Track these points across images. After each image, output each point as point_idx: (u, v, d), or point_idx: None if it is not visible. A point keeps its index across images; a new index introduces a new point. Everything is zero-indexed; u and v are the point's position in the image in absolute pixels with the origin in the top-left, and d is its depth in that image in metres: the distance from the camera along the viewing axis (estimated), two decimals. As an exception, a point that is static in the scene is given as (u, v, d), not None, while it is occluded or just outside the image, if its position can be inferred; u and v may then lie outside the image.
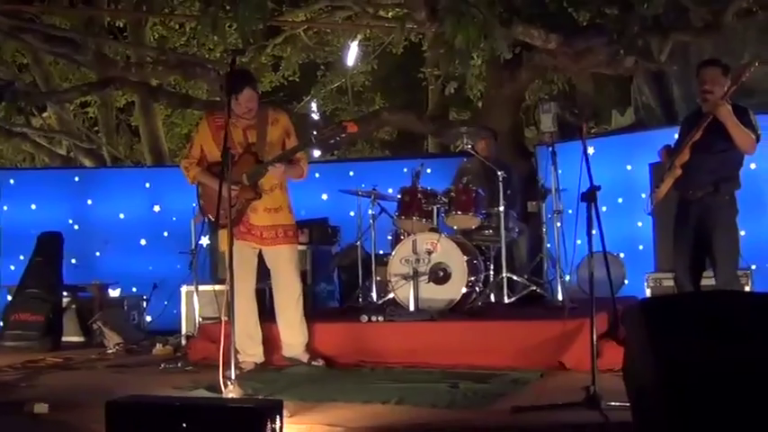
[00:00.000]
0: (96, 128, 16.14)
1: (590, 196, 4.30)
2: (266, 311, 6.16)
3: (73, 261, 9.48)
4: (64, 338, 8.16)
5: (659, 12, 8.14)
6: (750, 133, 5.38)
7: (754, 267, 7.33)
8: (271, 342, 5.98)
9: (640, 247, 8.52)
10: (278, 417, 3.47)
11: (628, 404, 3.55)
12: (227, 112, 5.10)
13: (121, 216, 10.24)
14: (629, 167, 8.78)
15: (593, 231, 4.35)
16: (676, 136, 6.70)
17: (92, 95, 13.91)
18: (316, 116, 15.54)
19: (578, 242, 5.58)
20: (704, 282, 5.80)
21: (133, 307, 8.80)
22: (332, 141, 5.81)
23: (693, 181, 5.51)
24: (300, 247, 8.01)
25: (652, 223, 7.85)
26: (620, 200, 8.60)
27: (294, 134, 5.83)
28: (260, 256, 5.87)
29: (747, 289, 7.02)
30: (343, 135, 5.66)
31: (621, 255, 8.24)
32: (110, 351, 7.45)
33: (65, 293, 8.51)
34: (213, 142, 5.68)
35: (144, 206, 10.27)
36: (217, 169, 5.48)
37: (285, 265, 5.81)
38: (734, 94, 5.44)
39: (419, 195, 7.07)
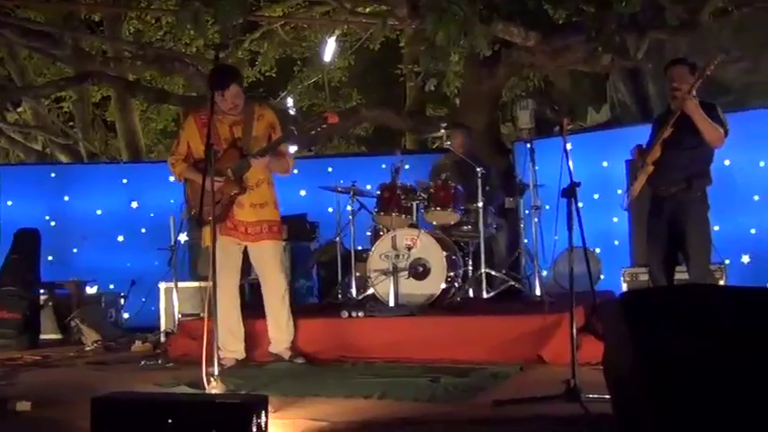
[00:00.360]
0: (71, 123, 16.02)
1: (570, 192, 4.35)
2: (247, 308, 6.17)
3: (50, 258, 9.42)
4: (41, 336, 8.13)
5: (636, 10, 8.22)
6: (718, 127, 5.47)
7: (727, 262, 7.43)
8: (252, 338, 6.00)
9: (616, 243, 8.62)
10: (263, 412, 3.49)
11: (607, 396, 3.61)
12: (211, 107, 5.09)
13: (99, 212, 10.20)
14: (605, 164, 8.88)
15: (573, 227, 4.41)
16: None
17: (68, 90, 13.80)
18: (292, 111, 15.51)
19: (555, 237, 5.65)
20: (677, 276, 5.90)
21: (111, 304, 8.76)
22: (313, 132, 5.83)
23: (666, 177, 5.60)
24: (280, 244, 8.05)
25: (627, 219, 7.93)
26: (596, 196, 8.68)
27: (279, 129, 5.85)
28: (244, 253, 5.89)
29: (722, 283, 7.12)
30: (324, 126, 5.70)
31: (597, 250, 8.33)
32: (88, 348, 7.43)
33: (42, 291, 8.47)
34: (200, 138, 5.67)
35: (121, 202, 10.23)
36: (203, 165, 5.53)
37: (270, 261, 5.83)
38: (701, 88, 5.53)
39: (398, 191, 7.11)
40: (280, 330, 5.90)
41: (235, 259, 5.80)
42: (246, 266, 6.00)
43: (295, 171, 5.96)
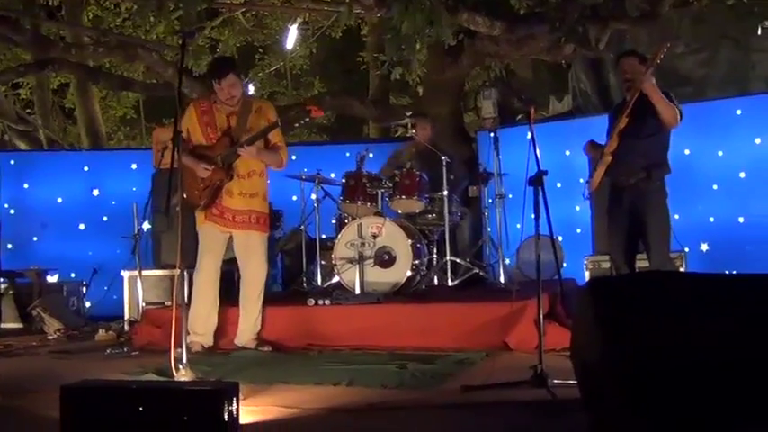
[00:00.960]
0: (29, 110, 15.79)
1: (537, 180, 4.41)
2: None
3: (9, 246, 9.31)
4: (2, 325, 8.04)
5: (598, 1, 8.32)
6: (674, 107, 5.57)
7: (687, 250, 7.57)
8: (219, 326, 6.01)
9: (578, 231, 8.73)
10: (234, 399, 3.51)
11: (573, 382, 3.68)
12: (178, 95, 5.10)
13: (59, 200, 10.08)
14: (567, 153, 8.97)
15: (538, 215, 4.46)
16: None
17: (28, 77, 13.59)
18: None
19: (518, 226, 5.72)
20: (638, 264, 6.00)
21: (73, 293, 8.68)
22: (296, 125, 5.91)
23: (625, 167, 5.67)
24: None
25: (590, 207, 8.03)
26: (558, 185, 8.77)
27: (279, 128, 5.91)
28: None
29: (682, 270, 7.26)
30: (308, 119, 5.79)
31: (560, 238, 8.41)
32: (51, 337, 7.36)
33: (1, 279, 8.36)
34: (198, 126, 5.83)
35: (82, 190, 10.12)
36: (199, 152, 5.76)
37: (254, 251, 5.89)
38: (658, 80, 5.63)
39: (364, 180, 7.13)
40: (249, 324, 5.95)
41: (218, 245, 5.87)
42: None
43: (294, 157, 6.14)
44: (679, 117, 5.58)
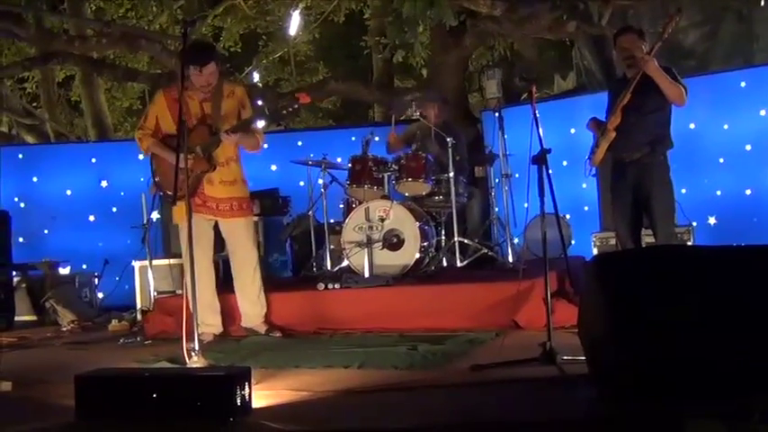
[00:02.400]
0: (35, 103, 15.84)
1: (541, 159, 4.42)
2: (221, 283, 6.20)
3: (21, 240, 9.36)
4: (16, 318, 8.07)
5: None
6: (679, 85, 5.55)
7: (695, 224, 7.58)
8: (228, 313, 6.05)
9: (585, 208, 8.74)
10: (246, 384, 3.55)
11: (581, 358, 3.71)
12: (181, 82, 5.06)
13: (68, 192, 10.13)
14: (572, 131, 8.96)
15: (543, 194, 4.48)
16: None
17: (33, 70, 13.63)
18: (260, 85, 15.46)
19: (526, 205, 5.74)
20: (644, 240, 6.02)
21: (85, 284, 8.73)
22: (284, 112, 5.87)
23: (629, 142, 5.67)
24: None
25: (596, 185, 8.05)
26: (564, 162, 8.77)
27: (249, 106, 5.86)
28: (216, 229, 5.91)
29: (689, 244, 7.27)
30: (297, 106, 5.75)
31: (567, 216, 8.43)
32: (64, 329, 7.43)
33: (14, 273, 8.41)
34: (169, 114, 5.70)
35: (91, 182, 10.17)
36: (171, 141, 5.57)
37: (242, 237, 5.87)
38: (663, 53, 5.62)
39: (370, 163, 7.15)
40: (251, 304, 5.96)
41: (207, 235, 5.82)
42: (219, 242, 6.02)
43: (265, 146, 5.98)
44: (685, 94, 5.57)
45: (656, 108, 5.63)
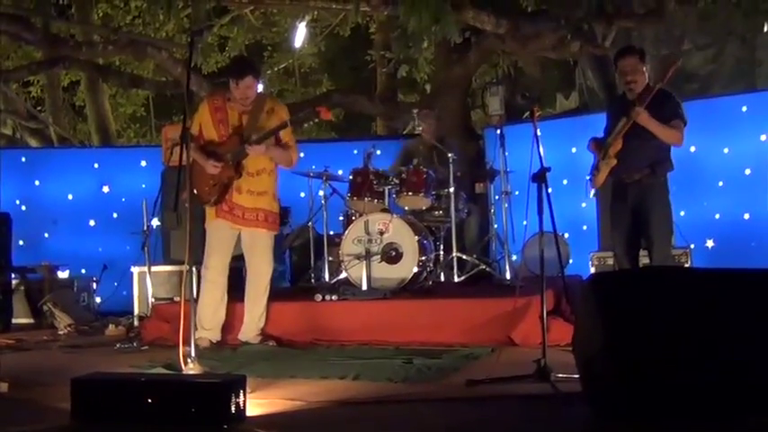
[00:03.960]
0: (39, 107, 15.89)
1: (540, 177, 4.45)
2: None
3: (21, 242, 9.37)
4: (13, 320, 8.10)
5: (604, -2, 8.39)
6: (674, 130, 5.58)
7: (692, 246, 7.59)
8: (228, 322, 6.06)
9: (584, 228, 8.76)
10: (241, 392, 3.58)
11: (576, 376, 3.73)
12: (186, 88, 5.11)
13: (70, 197, 10.15)
14: (573, 150, 8.99)
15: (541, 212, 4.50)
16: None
17: (39, 74, 13.68)
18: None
19: (525, 223, 5.76)
20: (642, 261, 6.04)
21: (83, 288, 8.74)
22: (305, 125, 5.97)
23: (630, 165, 5.70)
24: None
25: (596, 204, 8.07)
26: (564, 181, 8.81)
27: (289, 127, 5.98)
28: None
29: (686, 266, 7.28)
30: (317, 120, 5.87)
31: (566, 235, 8.46)
32: (61, 332, 7.43)
33: (13, 275, 8.43)
34: (211, 122, 5.92)
35: (93, 187, 10.19)
36: (209, 148, 5.84)
37: (261, 249, 5.96)
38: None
39: (371, 176, 7.18)
40: (254, 319, 6.01)
41: (228, 241, 5.94)
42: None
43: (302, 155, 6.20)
44: (682, 135, 5.61)
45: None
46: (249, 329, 6.01)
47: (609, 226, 7.70)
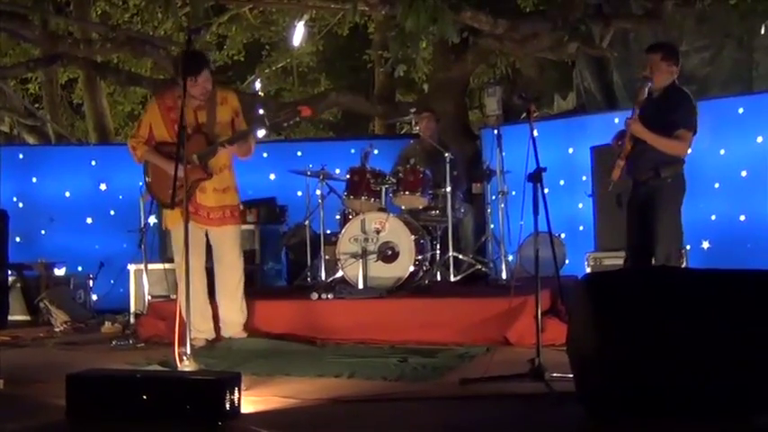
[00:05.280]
0: (37, 104, 15.88)
1: (536, 177, 4.46)
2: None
3: (17, 239, 9.38)
4: (9, 317, 8.10)
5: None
6: (675, 141, 5.50)
7: (688, 248, 7.60)
8: (218, 319, 6.06)
9: (581, 228, 8.77)
10: (236, 389, 3.59)
11: (570, 375, 3.74)
12: (183, 91, 5.09)
13: (67, 194, 10.15)
14: (570, 150, 9.02)
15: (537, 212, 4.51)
16: (616, 120, 6.93)
17: (36, 72, 13.68)
18: (261, 95, 15.51)
19: (521, 223, 5.77)
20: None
21: (79, 286, 8.74)
22: (285, 124, 5.91)
23: (637, 167, 5.72)
24: (248, 227, 8.10)
25: (592, 204, 8.09)
26: (561, 182, 8.83)
27: (241, 113, 5.93)
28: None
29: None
30: (298, 119, 5.79)
31: (563, 235, 8.47)
32: (57, 329, 7.43)
33: (9, 272, 8.43)
34: (162, 122, 5.77)
35: (90, 184, 10.19)
36: (166, 149, 5.68)
37: (230, 244, 5.92)
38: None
39: (368, 175, 7.19)
40: (234, 313, 5.98)
41: (199, 242, 5.85)
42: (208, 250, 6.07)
43: (264, 155, 6.07)
44: (685, 143, 5.53)
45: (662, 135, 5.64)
46: (231, 325, 5.98)
47: (605, 226, 7.77)
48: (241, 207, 6.11)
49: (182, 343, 4.57)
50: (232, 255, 5.93)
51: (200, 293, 5.89)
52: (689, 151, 5.63)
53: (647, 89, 5.63)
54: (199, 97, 5.71)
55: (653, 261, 5.75)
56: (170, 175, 5.30)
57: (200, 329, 5.86)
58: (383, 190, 7.28)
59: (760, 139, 7.99)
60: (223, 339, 6.00)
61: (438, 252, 7.53)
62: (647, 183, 5.68)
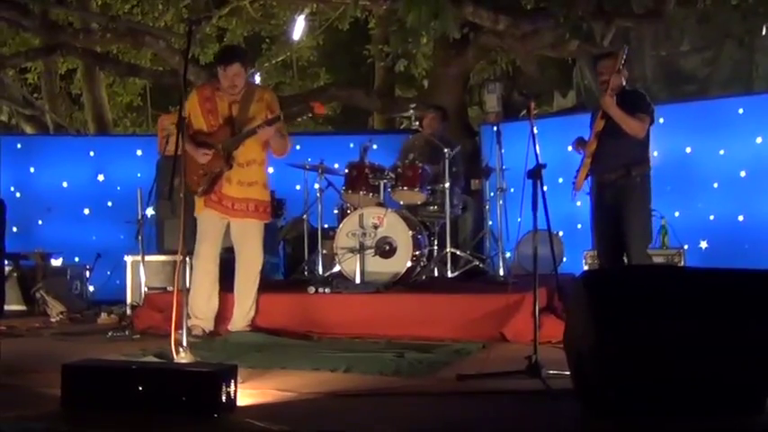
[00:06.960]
0: (36, 94, 15.85)
1: (535, 174, 4.45)
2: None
3: (14, 229, 9.36)
4: (5, 307, 8.02)
5: (603, -3, 8.40)
6: (637, 121, 5.66)
7: (686, 247, 7.61)
8: (220, 312, 6.06)
9: (579, 226, 8.74)
10: (232, 381, 3.58)
11: (566, 372, 3.75)
12: (183, 79, 5.12)
13: (65, 185, 10.14)
14: (569, 148, 8.97)
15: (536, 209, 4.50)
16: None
17: (36, 61, 13.66)
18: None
19: (519, 220, 5.77)
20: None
21: (76, 276, 8.74)
22: (299, 119, 5.94)
23: (605, 165, 5.78)
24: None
25: (590, 203, 8.07)
26: (560, 180, 8.79)
27: (278, 110, 5.94)
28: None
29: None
30: (310, 115, 5.83)
31: (561, 233, 8.46)
32: (53, 320, 7.43)
33: (6, 262, 8.40)
34: (200, 112, 5.89)
35: (88, 175, 10.18)
36: (199, 138, 5.82)
37: (251, 239, 5.95)
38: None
39: (366, 170, 7.18)
40: (244, 309, 6.00)
41: (216, 231, 5.92)
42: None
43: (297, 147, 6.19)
44: (644, 126, 5.67)
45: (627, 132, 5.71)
46: (239, 321, 6.00)
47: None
48: (268, 205, 6.11)
49: (178, 335, 4.55)
50: (253, 250, 5.97)
51: (209, 281, 5.93)
52: (644, 134, 5.75)
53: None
54: (228, 90, 5.81)
55: (625, 262, 5.81)
56: (197, 163, 5.68)
57: (200, 316, 5.88)
58: (382, 185, 7.27)
59: (759, 140, 8.00)
60: (224, 333, 6.00)
61: (436, 248, 7.53)
62: (616, 183, 5.74)
